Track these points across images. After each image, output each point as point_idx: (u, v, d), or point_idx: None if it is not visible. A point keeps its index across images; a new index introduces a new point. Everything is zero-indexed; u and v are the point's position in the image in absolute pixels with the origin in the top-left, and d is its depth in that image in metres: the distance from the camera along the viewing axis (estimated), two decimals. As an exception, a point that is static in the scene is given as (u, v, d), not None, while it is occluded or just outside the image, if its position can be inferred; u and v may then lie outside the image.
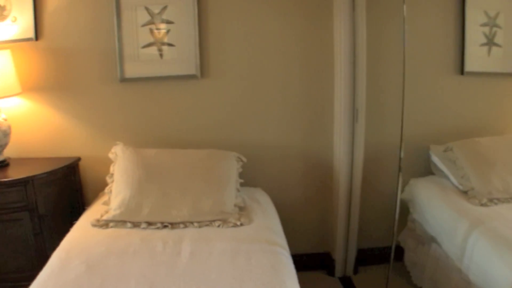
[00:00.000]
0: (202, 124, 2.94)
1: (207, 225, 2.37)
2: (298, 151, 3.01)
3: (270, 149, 2.97)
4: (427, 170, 3.09)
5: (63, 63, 2.90)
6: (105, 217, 2.40)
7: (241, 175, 2.70)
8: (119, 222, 2.38)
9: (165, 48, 2.82)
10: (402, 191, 2.88)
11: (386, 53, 2.95)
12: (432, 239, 2.70)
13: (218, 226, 2.35)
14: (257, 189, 2.84)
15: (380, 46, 2.93)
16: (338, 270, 3.12)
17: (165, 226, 2.36)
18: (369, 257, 3.21)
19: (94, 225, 2.37)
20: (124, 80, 2.87)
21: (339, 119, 2.88)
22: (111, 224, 2.37)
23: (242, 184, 2.71)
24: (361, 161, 2.89)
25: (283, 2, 2.81)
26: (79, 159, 2.96)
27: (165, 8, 2.76)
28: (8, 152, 2.88)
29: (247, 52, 2.86)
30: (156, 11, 2.77)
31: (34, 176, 2.59)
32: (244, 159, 2.73)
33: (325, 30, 2.86)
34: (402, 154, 2.63)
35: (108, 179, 2.64)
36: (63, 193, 2.81)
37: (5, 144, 2.79)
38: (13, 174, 2.65)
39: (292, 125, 2.98)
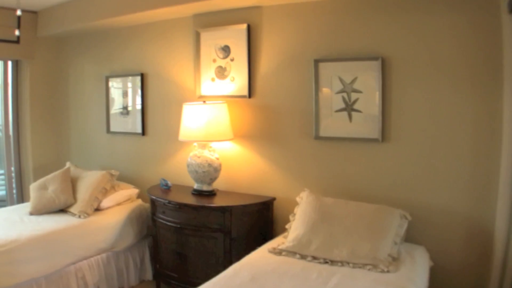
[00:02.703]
0: (377, 181, 3.63)
1: (360, 267, 3.02)
2: (462, 217, 3.40)
3: (436, 210, 3.45)
4: None
5: (269, 118, 4.05)
6: (280, 247, 3.29)
7: (407, 232, 3.31)
8: (290, 252, 3.24)
9: (353, 113, 3.65)
10: None
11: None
12: None
13: (368, 269, 2.99)
14: (419, 247, 3.36)
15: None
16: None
17: (326, 262, 3.11)
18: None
19: (270, 251, 3.28)
20: (318, 137, 3.81)
21: (502, 191, 3.20)
22: (283, 253, 3.24)
23: (407, 240, 3.34)
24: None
25: (457, 73, 3.32)
26: (274, 199, 3.99)
27: (355, 79, 3.61)
28: (217, 184, 4.14)
29: (422, 119, 3.45)
30: (348, 81, 3.64)
31: (232, 206, 3.69)
32: (409, 217, 3.31)
33: (494, 99, 3.23)
34: None
35: (290, 218, 3.56)
36: (255, 224, 3.84)
37: (215, 178, 4.01)
38: (217, 201, 3.84)
39: (459, 191, 3.40)
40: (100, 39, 5.45)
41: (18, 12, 3.47)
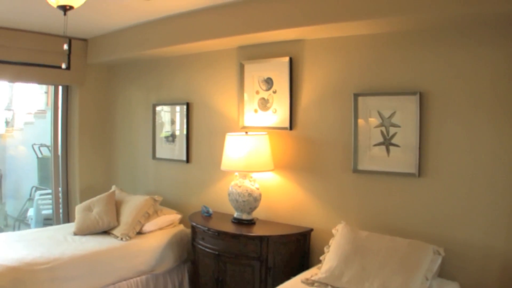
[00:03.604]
0: (413, 215, 3.77)
1: (390, 301, 3.23)
2: (498, 252, 3.47)
3: (471, 246, 3.54)
4: None
5: (309, 150, 4.29)
6: (313, 278, 3.50)
7: (442, 267, 3.43)
8: (322, 284, 3.43)
9: (391, 147, 3.84)
10: None
11: None
12: None
13: (398, 303, 3.19)
14: (452, 283, 3.47)
15: None
16: None
17: (356, 295, 3.32)
18: None
19: (303, 282, 3.49)
20: (356, 170, 4.01)
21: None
22: (316, 284, 3.45)
23: (441, 275, 3.47)
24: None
25: (495, 109, 3.41)
26: (311, 229, 4.21)
27: (394, 113, 3.81)
28: (256, 213, 4.39)
29: (459, 154, 3.58)
30: (387, 115, 3.84)
31: (270, 235, 3.92)
32: (442, 253, 3.43)
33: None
34: None
35: (325, 249, 3.76)
36: (292, 254, 4.06)
37: (255, 207, 4.26)
38: (255, 230, 4.09)
39: (495, 226, 3.48)
40: (149, 67, 5.88)
41: (65, 47, 3.85)
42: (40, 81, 6.24)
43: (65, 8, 3.08)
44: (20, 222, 7.95)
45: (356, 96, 3.98)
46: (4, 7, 4.47)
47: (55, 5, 3.08)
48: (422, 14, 3.37)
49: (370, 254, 3.48)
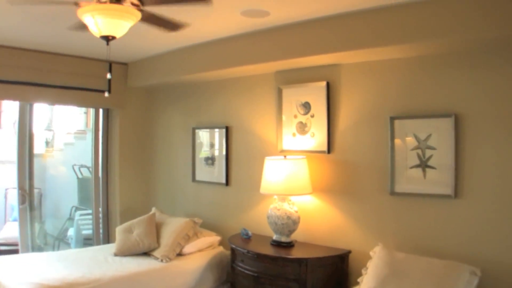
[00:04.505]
0: (450, 236, 3.92)
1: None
2: None
3: (508, 267, 3.65)
4: None
5: (347, 173, 4.52)
6: (351, 299, 3.73)
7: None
8: (360, 305, 3.67)
9: (427, 169, 4.02)
10: None
11: None
12: None
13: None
14: None
15: None
16: None
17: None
18: None
19: (340, 304, 3.72)
20: (393, 193, 4.20)
21: None
22: (353, 305, 3.68)
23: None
24: None
25: None
26: (349, 252, 4.40)
27: (429, 136, 3.99)
28: (295, 236, 4.62)
29: (495, 176, 3.72)
30: (422, 138, 4.03)
31: (308, 258, 4.15)
32: (479, 273, 3.56)
33: None
34: None
35: (363, 271, 3.96)
36: (330, 276, 4.27)
37: (294, 230, 4.51)
38: (294, 253, 4.33)
39: None
40: (188, 91, 6.24)
41: (108, 76, 4.14)
42: (81, 104, 6.67)
43: (107, 39, 3.33)
44: (60, 241, 8.28)
45: (392, 119, 4.18)
46: (47, 33, 4.84)
47: (98, 35, 3.32)
48: (455, 37, 3.56)
49: (407, 276, 3.65)
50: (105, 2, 3.13)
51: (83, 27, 3.44)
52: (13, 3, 3.47)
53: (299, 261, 4.15)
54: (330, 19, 4.18)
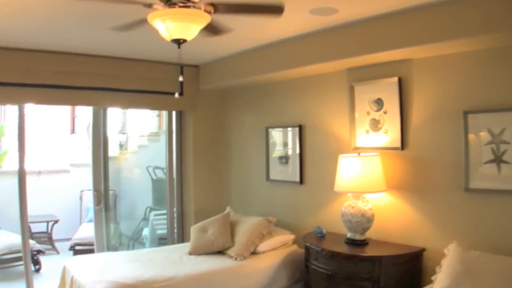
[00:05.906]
0: None
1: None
2: None
3: None
4: None
5: (420, 170, 4.68)
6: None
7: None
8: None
9: (502, 165, 4.12)
10: None
11: None
12: None
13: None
14: None
15: None
16: None
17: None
18: None
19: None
20: (467, 189, 4.32)
21: None
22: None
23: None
24: None
25: None
26: (423, 249, 4.56)
27: (503, 130, 4.09)
28: (369, 234, 4.84)
29: None
30: (496, 132, 4.13)
31: (382, 256, 4.36)
32: None
33: None
34: None
35: (437, 269, 4.10)
36: (404, 274, 4.46)
37: (368, 228, 4.74)
38: (368, 251, 4.56)
39: None
40: (259, 92, 6.59)
41: (180, 78, 4.47)
42: (153, 107, 7.18)
43: (179, 42, 3.58)
44: (135, 241, 8.84)
45: (465, 113, 4.28)
46: (118, 40, 5.24)
47: (169, 39, 3.58)
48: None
49: (482, 275, 3.75)
50: (174, 7, 3.38)
51: (128, 28, 3.78)
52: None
53: (373, 259, 4.35)
54: (399, 14, 4.33)
